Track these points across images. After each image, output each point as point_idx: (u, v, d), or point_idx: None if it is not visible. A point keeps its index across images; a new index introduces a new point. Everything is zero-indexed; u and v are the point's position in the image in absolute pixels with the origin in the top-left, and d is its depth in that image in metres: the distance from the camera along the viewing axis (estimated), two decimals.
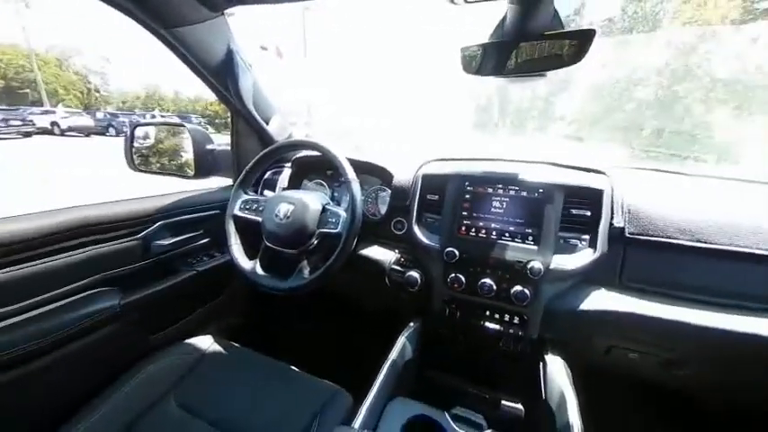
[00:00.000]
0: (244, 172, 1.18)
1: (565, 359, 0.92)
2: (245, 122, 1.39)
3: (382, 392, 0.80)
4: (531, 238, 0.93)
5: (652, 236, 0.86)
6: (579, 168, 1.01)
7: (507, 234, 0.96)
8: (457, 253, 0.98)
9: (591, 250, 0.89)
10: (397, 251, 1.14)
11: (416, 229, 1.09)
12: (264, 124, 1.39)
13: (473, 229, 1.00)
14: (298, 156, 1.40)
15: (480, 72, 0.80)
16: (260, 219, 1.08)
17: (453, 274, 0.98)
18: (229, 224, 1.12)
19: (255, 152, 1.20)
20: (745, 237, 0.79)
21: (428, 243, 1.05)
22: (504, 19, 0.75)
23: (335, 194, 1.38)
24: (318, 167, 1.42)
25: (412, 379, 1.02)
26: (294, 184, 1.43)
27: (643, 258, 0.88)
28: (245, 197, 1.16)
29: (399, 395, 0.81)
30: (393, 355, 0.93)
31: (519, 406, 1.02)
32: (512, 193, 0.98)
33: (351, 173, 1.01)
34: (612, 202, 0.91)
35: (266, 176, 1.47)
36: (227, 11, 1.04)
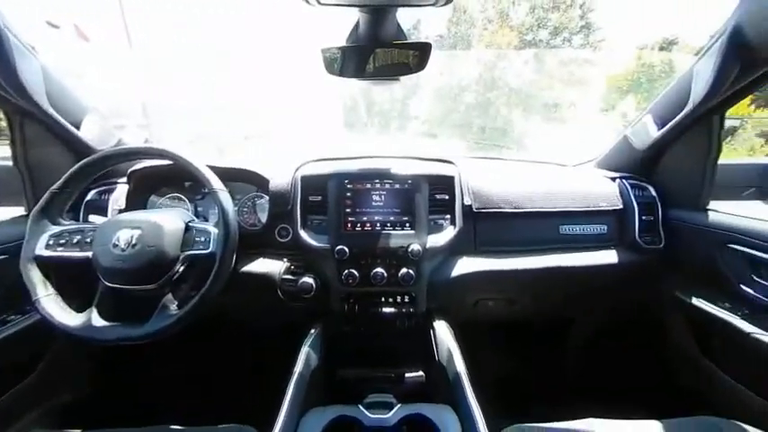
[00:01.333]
0: (48, 194, 0.85)
1: (447, 321, 1.10)
2: (38, 127, 1.00)
3: (293, 412, 0.75)
4: (408, 224, 1.05)
5: (490, 208, 1.11)
6: (435, 160, 1.19)
7: (388, 224, 1.05)
8: (347, 250, 1.01)
9: (452, 227, 1.08)
10: (285, 260, 1.07)
11: (303, 233, 1.06)
12: (73, 128, 1.04)
13: (358, 224, 1.05)
14: (135, 168, 1.11)
15: (343, 74, 0.85)
16: (89, 254, 0.81)
17: (347, 271, 1.01)
18: (31, 270, 0.80)
19: (63, 167, 0.88)
20: (540, 200, 1.13)
21: (318, 245, 1.04)
22: (357, 25, 0.80)
23: (200, 209, 1.18)
24: (171, 180, 1.17)
25: (323, 385, 1.00)
26: (135, 203, 1.13)
27: (487, 227, 1.14)
28: (55, 229, 0.85)
29: (314, 406, 0.78)
30: (298, 368, 0.88)
31: (420, 373, 1.15)
32: (387, 186, 1.08)
33: (215, 182, 0.87)
34: (461, 185, 1.12)
35: (89, 198, 1.11)
36: None
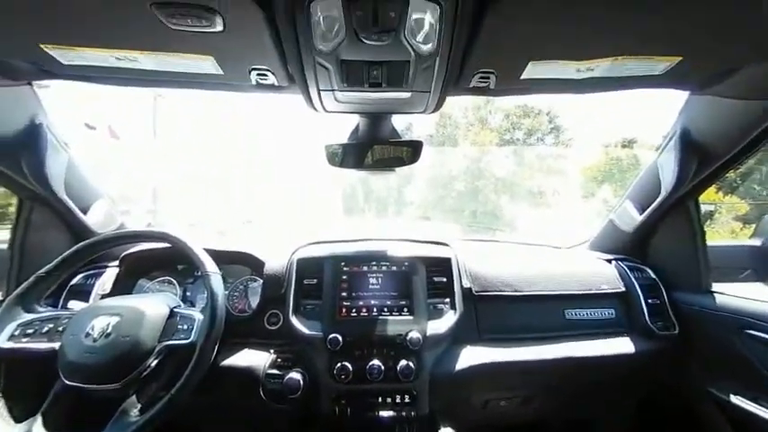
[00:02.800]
0: (33, 278, 0.82)
1: (454, 427, 0.94)
2: (48, 212, 1.03)
3: None
4: (406, 309, 1.00)
5: (490, 291, 1.08)
6: (431, 242, 1.21)
7: (385, 309, 1.00)
8: (340, 338, 0.93)
9: (452, 312, 1.03)
10: (272, 351, 0.97)
11: (295, 319, 0.99)
12: (80, 213, 1.07)
13: (353, 310, 0.99)
14: (130, 251, 1.10)
15: (343, 166, 0.94)
16: (55, 345, 0.73)
17: (340, 364, 0.91)
18: None
19: (58, 251, 0.88)
20: (540, 283, 1.11)
21: (309, 333, 0.96)
22: (357, 127, 0.93)
23: (188, 294, 1.13)
24: (164, 263, 1.15)
25: None
26: (122, 287, 1.08)
27: (489, 311, 1.08)
28: (27, 317, 0.79)
29: None
30: None
31: None
32: (384, 268, 1.06)
33: (209, 264, 0.86)
34: (459, 267, 1.11)
35: (75, 282, 1.07)
36: (41, 82, 0.85)
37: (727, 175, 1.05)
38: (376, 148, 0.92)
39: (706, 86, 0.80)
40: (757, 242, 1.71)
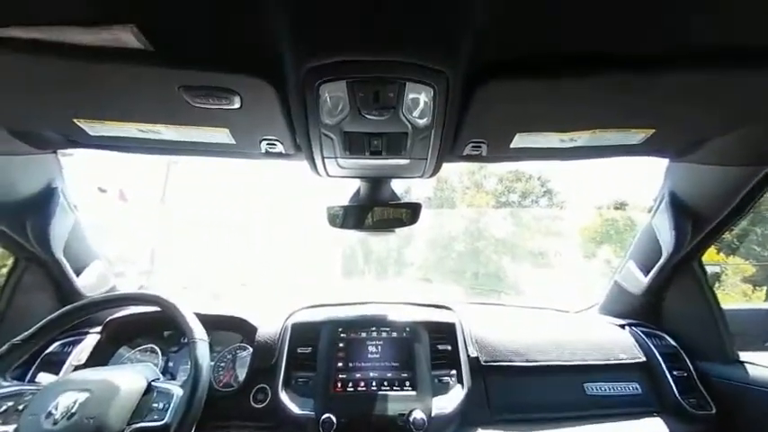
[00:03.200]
0: (7, 345, 0.76)
1: None
2: (40, 273, 1.01)
3: None
4: (407, 383, 0.91)
5: (500, 361, 0.99)
6: (434, 306, 1.16)
7: (385, 382, 0.90)
8: (335, 420, 0.82)
9: (459, 386, 0.93)
10: None
11: (284, 396, 0.89)
12: (73, 275, 1.05)
13: (350, 383, 0.90)
14: (114, 316, 1.05)
15: (344, 227, 0.95)
16: (9, 429, 0.64)
17: None
18: None
19: (44, 315, 0.84)
20: (553, 352, 1.02)
21: (299, 413, 0.85)
22: (358, 190, 0.97)
23: (171, 364, 1.03)
24: (150, 329, 1.08)
25: None
26: (100, 356, 1.00)
27: (500, 386, 0.98)
28: None
29: None
30: None
31: None
32: (384, 335, 0.99)
33: (198, 330, 0.81)
34: (464, 334, 1.04)
35: (50, 350, 1.00)
36: (66, 150, 0.92)
37: (724, 236, 1.06)
38: (376, 210, 0.95)
39: (683, 155, 0.86)
40: None
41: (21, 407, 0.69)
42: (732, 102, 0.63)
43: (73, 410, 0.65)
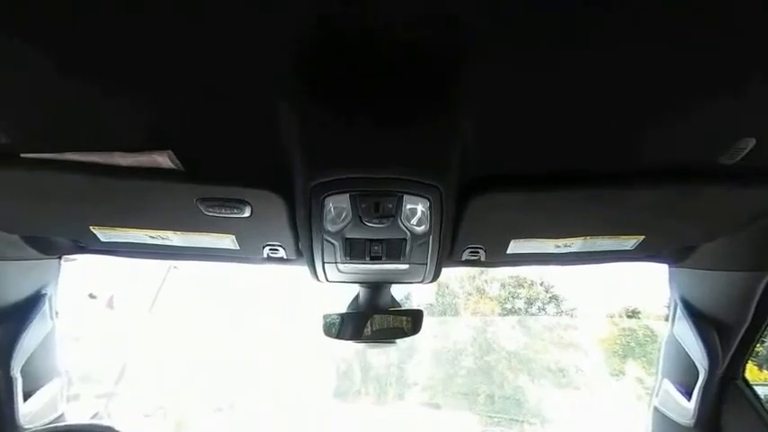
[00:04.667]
0: None
1: None
2: None
3: None
4: None
5: None
6: None
7: None
8: None
9: None
10: None
11: None
12: (20, 399, 0.90)
13: None
14: None
15: (341, 337, 0.88)
16: None
17: None
18: None
19: None
20: None
21: None
22: (357, 296, 0.94)
23: None
24: None
25: None
26: None
27: None
28: None
29: None
30: None
31: None
32: None
33: None
34: None
35: None
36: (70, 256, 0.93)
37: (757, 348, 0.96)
38: (375, 318, 0.90)
39: (679, 260, 0.87)
40: None
41: None
42: (710, 212, 0.68)
43: None
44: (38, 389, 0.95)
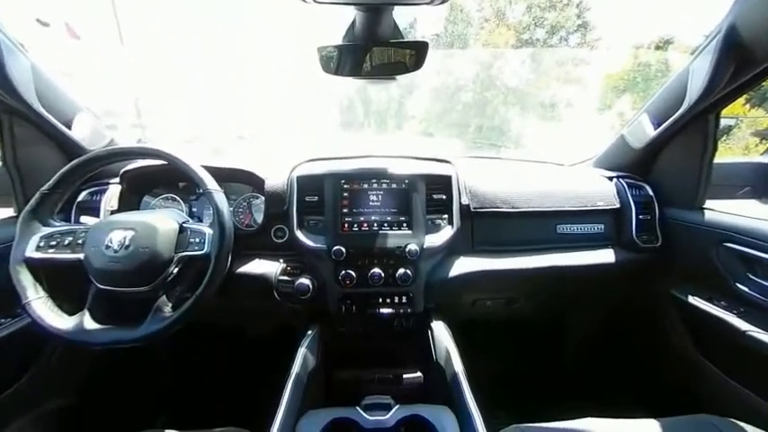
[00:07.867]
0: (38, 195, 0.84)
1: (445, 321, 1.09)
2: (29, 128, 0.98)
3: (289, 415, 0.74)
4: (405, 224, 1.05)
5: (487, 208, 1.11)
6: (433, 159, 1.19)
7: (386, 224, 1.04)
8: (344, 250, 1.00)
9: (450, 227, 1.08)
10: (281, 260, 1.06)
11: (300, 234, 1.05)
12: (65, 128, 1.02)
13: (355, 225, 1.04)
14: (128, 168, 1.09)
15: (339, 72, 0.84)
16: (80, 256, 0.79)
17: (344, 272, 1.00)
18: (21, 273, 0.78)
19: (54, 168, 0.87)
20: (537, 200, 1.13)
21: (314, 246, 1.02)
22: (353, 23, 0.79)
23: (195, 210, 1.16)
24: (165, 180, 1.15)
25: (321, 386, 0.99)
26: (128, 204, 1.11)
27: (485, 226, 1.13)
28: (46, 230, 0.83)
29: (311, 408, 0.77)
30: (295, 370, 0.87)
31: (418, 374, 1.15)
32: (384, 186, 1.07)
33: (210, 182, 0.86)
34: (459, 185, 1.12)
35: (80, 199, 1.09)
36: None
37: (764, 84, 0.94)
38: (375, 51, 0.81)
39: None
40: (766, 159, 1.67)
41: (80, 241, 0.82)
42: None
43: (126, 243, 0.78)
44: (70, 122, 1.06)
